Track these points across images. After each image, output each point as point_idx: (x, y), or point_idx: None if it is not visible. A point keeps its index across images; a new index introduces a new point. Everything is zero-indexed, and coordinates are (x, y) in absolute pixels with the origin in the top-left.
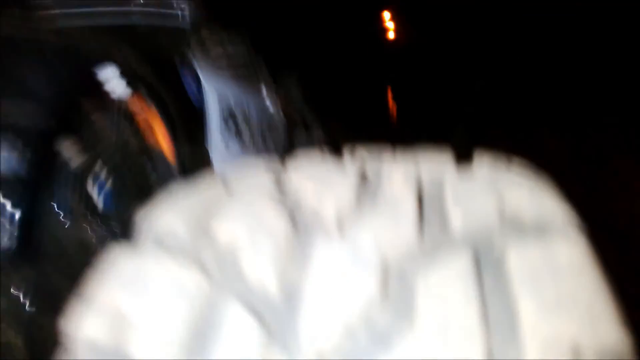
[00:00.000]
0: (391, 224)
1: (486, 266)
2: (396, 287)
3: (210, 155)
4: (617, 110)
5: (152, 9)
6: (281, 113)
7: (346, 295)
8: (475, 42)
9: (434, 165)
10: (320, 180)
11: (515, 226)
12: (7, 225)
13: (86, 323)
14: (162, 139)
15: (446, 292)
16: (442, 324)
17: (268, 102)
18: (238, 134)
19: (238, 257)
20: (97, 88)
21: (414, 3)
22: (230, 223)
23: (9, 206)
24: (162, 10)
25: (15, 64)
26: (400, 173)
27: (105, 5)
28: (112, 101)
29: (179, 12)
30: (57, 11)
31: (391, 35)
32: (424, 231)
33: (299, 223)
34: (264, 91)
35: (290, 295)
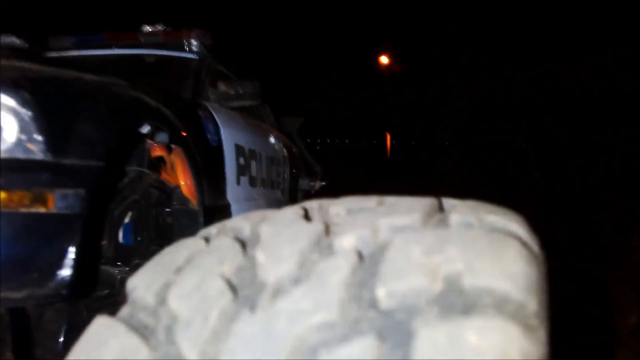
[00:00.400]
0: (316, 297)
1: (394, 347)
2: None
3: (226, 193)
4: None
5: (161, 45)
6: (286, 151)
7: None
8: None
9: (397, 218)
10: (279, 239)
11: (445, 300)
12: (63, 260)
13: None
14: (183, 179)
15: None
16: None
17: (274, 141)
18: (248, 170)
19: (175, 329)
20: (136, 139)
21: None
22: (177, 296)
23: (66, 243)
24: (173, 48)
25: (77, 115)
26: (353, 235)
27: (119, 47)
28: (144, 149)
29: (189, 48)
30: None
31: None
32: (345, 307)
33: (241, 293)
34: (271, 131)
35: None
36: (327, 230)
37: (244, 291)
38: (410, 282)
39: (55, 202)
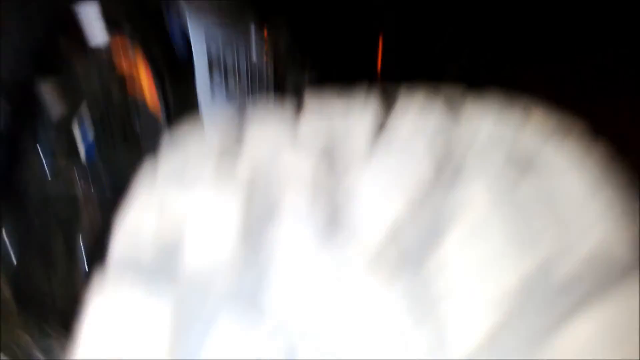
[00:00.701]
0: (409, 158)
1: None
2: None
3: (198, 104)
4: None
5: None
6: (270, 58)
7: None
8: None
9: (444, 110)
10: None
11: (527, 165)
12: None
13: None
14: (146, 87)
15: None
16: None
17: (256, 47)
18: (224, 81)
19: None
20: (76, 29)
21: None
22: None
23: None
24: None
25: None
26: (411, 119)
27: None
28: (94, 44)
29: None
30: None
31: None
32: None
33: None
34: (252, 35)
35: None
36: None
37: None
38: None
39: None
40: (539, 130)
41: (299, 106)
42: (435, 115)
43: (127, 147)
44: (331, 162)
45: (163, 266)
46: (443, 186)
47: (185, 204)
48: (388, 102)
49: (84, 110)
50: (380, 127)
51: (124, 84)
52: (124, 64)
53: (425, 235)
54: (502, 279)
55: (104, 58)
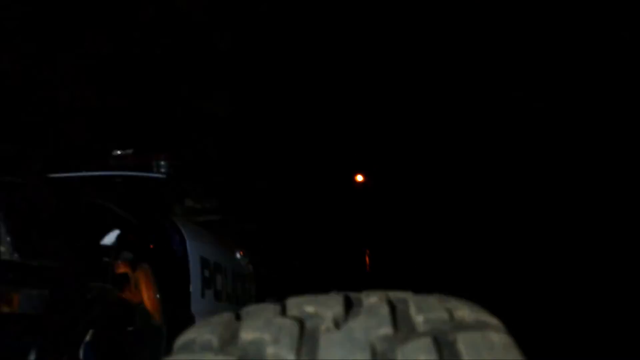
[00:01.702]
0: (374, 321)
1: (443, 346)
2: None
3: (190, 306)
4: None
5: (132, 166)
6: (251, 267)
7: None
8: None
9: (398, 294)
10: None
11: (461, 325)
12: None
13: None
14: (147, 295)
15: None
16: None
17: (239, 255)
18: (213, 283)
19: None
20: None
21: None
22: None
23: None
24: (142, 170)
25: (46, 228)
26: (375, 295)
27: (92, 169)
28: (109, 265)
29: (158, 169)
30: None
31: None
32: (397, 327)
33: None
34: (236, 245)
35: None
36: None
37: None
38: (436, 312)
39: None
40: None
41: (282, 307)
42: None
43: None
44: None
45: None
46: (400, 340)
47: None
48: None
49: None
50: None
51: (126, 298)
52: (130, 279)
53: None
54: None
55: (112, 276)
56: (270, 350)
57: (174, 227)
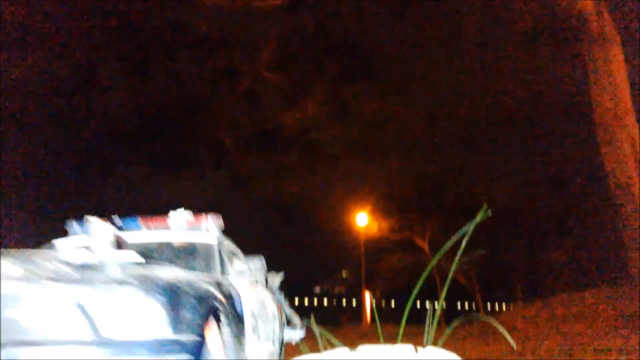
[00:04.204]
0: None
1: None
2: None
3: (245, 349)
4: None
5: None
6: (276, 308)
7: None
8: None
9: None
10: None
11: None
12: None
13: None
14: (225, 342)
15: None
16: None
17: (269, 301)
18: (257, 329)
19: None
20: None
21: None
22: None
23: None
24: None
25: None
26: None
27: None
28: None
29: (209, 232)
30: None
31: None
32: None
33: None
34: (267, 293)
35: None
36: None
37: None
38: None
39: None
40: None
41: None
42: None
43: None
44: None
45: None
46: None
47: None
48: None
49: None
50: None
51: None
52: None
53: None
54: None
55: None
56: None
57: (234, 288)
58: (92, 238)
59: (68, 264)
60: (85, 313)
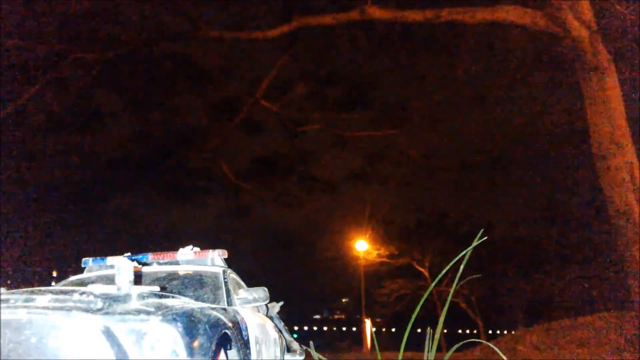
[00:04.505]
0: None
1: None
2: None
3: None
4: None
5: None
6: (277, 334)
7: None
8: None
9: None
10: None
11: None
12: None
13: None
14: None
15: None
16: None
17: (270, 328)
18: (260, 354)
19: None
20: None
21: None
22: None
23: None
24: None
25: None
26: None
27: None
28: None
29: (214, 263)
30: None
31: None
32: None
33: None
34: (267, 320)
35: None
36: None
37: None
38: None
39: None
40: None
41: None
42: None
43: None
44: None
45: None
46: None
47: None
48: None
49: None
50: None
51: None
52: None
53: None
54: None
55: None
56: None
57: (241, 316)
58: (116, 273)
59: (95, 295)
60: (110, 340)
